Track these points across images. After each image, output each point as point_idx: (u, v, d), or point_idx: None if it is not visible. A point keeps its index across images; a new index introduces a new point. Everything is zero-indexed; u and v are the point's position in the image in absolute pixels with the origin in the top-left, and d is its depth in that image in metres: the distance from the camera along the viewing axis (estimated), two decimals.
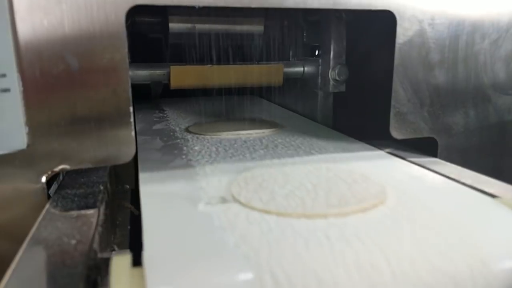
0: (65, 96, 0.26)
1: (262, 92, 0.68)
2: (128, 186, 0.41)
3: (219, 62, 0.47)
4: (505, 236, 0.20)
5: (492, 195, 0.27)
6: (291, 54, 0.54)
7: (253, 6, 0.29)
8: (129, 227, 0.33)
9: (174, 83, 0.44)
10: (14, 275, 0.17)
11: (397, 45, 0.33)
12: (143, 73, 0.44)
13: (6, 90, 0.24)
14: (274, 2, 0.29)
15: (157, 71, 0.44)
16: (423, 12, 0.33)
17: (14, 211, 0.26)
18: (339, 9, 0.31)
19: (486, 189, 0.28)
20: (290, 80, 0.52)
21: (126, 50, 0.27)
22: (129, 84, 0.28)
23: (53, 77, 0.26)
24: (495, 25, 0.36)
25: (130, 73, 0.45)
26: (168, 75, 0.44)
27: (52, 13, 0.25)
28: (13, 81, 0.25)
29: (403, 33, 0.33)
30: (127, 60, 0.27)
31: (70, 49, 0.26)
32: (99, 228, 0.23)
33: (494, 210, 0.23)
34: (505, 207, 0.23)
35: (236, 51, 0.49)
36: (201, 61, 0.46)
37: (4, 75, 0.24)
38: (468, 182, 0.29)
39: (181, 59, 0.47)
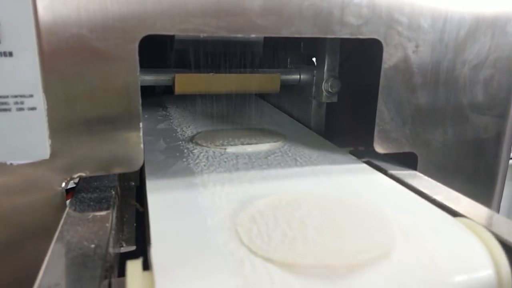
0: (83, 113, 0.30)
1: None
2: (133, 183, 0.45)
3: (221, 68, 0.50)
4: (457, 253, 0.24)
5: (456, 213, 0.31)
6: (288, 61, 0.57)
7: (252, 35, 0.32)
8: (135, 224, 0.37)
9: (178, 90, 0.47)
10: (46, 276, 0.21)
11: (383, 69, 0.37)
12: (149, 78, 0.48)
13: (33, 109, 0.28)
14: (272, 31, 0.32)
15: (162, 77, 0.48)
16: (409, 39, 0.37)
17: (38, 211, 0.30)
18: (332, 37, 0.35)
19: (453, 206, 0.32)
20: (287, 85, 0.55)
21: (138, 73, 0.30)
22: (140, 102, 0.31)
23: (73, 96, 0.29)
24: (475, 53, 0.39)
25: None
26: (173, 81, 0.47)
27: (74, 41, 0.28)
28: (39, 101, 0.28)
29: (388, 59, 0.36)
30: (138, 82, 0.31)
31: (89, 72, 0.29)
32: (113, 232, 0.27)
33: (452, 228, 0.27)
34: (462, 226, 0.27)
35: (238, 57, 0.52)
36: (204, 66, 0.50)
37: (31, 95, 0.28)
38: (438, 198, 0.33)
39: (184, 62, 0.50)
